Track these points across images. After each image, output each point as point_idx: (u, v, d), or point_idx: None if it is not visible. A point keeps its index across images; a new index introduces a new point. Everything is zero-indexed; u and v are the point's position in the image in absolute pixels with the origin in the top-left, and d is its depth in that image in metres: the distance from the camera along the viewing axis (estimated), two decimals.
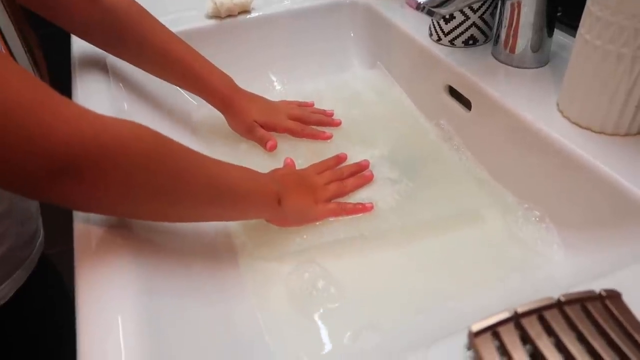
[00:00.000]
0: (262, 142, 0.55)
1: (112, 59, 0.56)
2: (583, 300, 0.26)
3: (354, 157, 0.53)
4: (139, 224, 0.36)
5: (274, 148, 0.54)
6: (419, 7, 0.45)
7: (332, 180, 0.49)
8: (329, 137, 0.56)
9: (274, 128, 0.56)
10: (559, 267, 0.38)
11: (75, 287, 0.31)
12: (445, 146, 0.53)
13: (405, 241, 0.44)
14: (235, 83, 0.56)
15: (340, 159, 0.52)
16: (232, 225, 0.45)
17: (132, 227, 0.35)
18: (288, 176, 0.47)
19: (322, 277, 0.40)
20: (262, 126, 0.55)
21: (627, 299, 0.26)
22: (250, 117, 0.55)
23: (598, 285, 0.27)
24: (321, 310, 0.38)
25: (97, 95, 0.51)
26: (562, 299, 0.26)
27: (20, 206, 0.48)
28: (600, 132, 0.41)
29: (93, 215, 0.35)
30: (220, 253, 0.43)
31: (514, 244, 0.41)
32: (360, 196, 0.49)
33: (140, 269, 0.32)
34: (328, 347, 0.36)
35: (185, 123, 0.60)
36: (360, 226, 0.45)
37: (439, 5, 0.44)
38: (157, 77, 0.55)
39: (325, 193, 0.47)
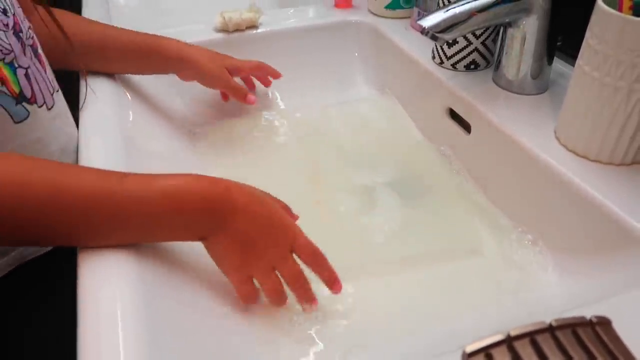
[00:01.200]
0: (239, 94, 0.57)
1: None
2: (574, 326, 0.27)
3: (357, 179, 0.54)
4: None
5: (254, 102, 0.57)
6: (423, 32, 0.46)
7: (290, 276, 0.37)
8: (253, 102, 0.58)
9: (237, 72, 0.58)
10: (553, 291, 0.39)
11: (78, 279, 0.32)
12: (445, 169, 0.54)
13: (400, 264, 0.44)
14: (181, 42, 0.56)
15: None
16: None
17: None
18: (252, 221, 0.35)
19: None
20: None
21: (616, 325, 0.27)
22: (217, 64, 0.55)
23: (590, 311, 0.28)
24: (313, 330, 0.38)
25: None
26: (554, 323, 0.27)
27: None
28: (595, 161, 0.42)
29: None
30: None
31: (509, 267, 0.42)
32: (361, 222, 0.49)
33: (140, 265, 0.33)
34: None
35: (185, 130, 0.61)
36: (358, 252, 0.46)
37: (443, 31, 0.46)
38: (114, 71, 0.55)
39: (263, 277, 0.36)
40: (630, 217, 0.37)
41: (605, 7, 0.37)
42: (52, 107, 0.44)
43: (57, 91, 0.46)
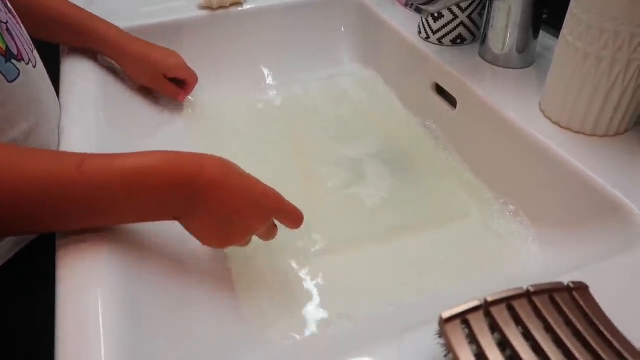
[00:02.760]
0: (172, 95, 0.58)
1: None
2: (551, 291, 0.27)
3: (343, 153, 0.54)
4: None
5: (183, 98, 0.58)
6: (407, 4, 0.45)
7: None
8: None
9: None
10: (533, 260, 0.39)
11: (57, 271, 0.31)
12: (431, 143, 0.54)
13: (386, 235, 0.44)
14: (125, 32, 0.55)
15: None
16: None
17: None
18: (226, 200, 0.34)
19: (304, 268, 0.41)
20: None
21: (595, 291, 0.27)
22: (155, 68, 0.55)
23: (568, 278, 0.28)
24: (300, 299, 0.38)
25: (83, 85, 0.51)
26: (531, 289, 0.27)
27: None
28: (579, 133, 0.42)
29: None
30: None
31: (491, 237, 0.42)
32: (348, 191, 0.49)
33: (120, 254, 0.33)
34: (306, 331, 0.36)
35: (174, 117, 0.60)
36: (345, 225, 0.46)
37: (427, 3, 0.45)
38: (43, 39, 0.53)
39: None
40: (612, 187, 0.37)
41: None
42: (36, 64, 0.43)
43: (34, 49, 0.45)
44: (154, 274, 0.35)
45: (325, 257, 0.42)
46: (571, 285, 0.27)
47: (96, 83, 0.52)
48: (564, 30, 0.41)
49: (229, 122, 0.60)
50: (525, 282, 0.28)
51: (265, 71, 0.67)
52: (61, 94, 0.50)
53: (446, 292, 0.37)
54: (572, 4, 0.39)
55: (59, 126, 0.45)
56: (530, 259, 0.39)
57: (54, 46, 0.57)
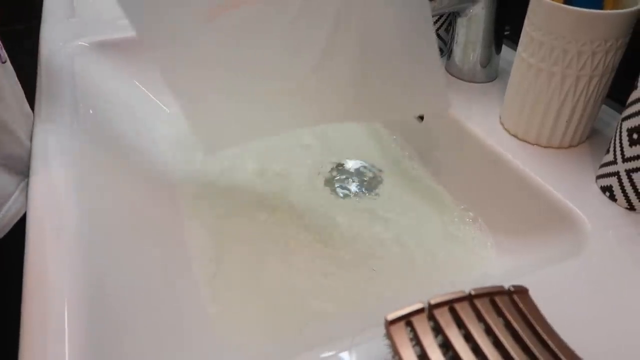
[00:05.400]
0: None
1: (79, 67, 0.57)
2: (492, 294, 0.28)
3: (314, 165, 0.55)
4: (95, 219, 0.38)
5: None
6: None
7: None
8: None
9: None
10: (491, 266, 0.41)
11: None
12: (397, 154, 0.56)
13: (346, 238, 0.46)
14: None
15: None
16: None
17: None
18: None
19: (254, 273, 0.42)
20: None
21: (536, 295, 0.29)
22: None
23: (520, 283, 0.30)
24: (252, 307, 0.39)
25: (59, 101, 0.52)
26: (473, 292, 0.28)
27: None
28: (535, 144, 0.44)
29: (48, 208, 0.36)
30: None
31: (450, 242, 0.44)
32: (315, 204, 0.51)
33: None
34: (266, 339, 0.37)
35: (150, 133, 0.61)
36: (305, 225, 0.47)
37: None
38: None
39: None
40: (563, 197, 0.38)
41: None
42: (5, 61, 0.45)
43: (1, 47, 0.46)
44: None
45: (282, 257, 0.44)
46: (512, 288, 0.29)
47: (73, 97, 0.54)
48: (519, 48, 0.43)
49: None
50: (482, 285, 0.29)
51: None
52: (37, 104, 0.51)
53: (403, 295, 0.39)
54: (525, 23, 0.41)
55: (31, 138, 0.46)
56: (488, 264, 0.41)
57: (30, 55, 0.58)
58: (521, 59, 0.42)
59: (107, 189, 0.45)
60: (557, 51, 0.39)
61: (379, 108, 0.42)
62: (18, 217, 0.48)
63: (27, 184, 0.49)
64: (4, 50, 0.46)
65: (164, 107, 0.63)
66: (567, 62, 0.39)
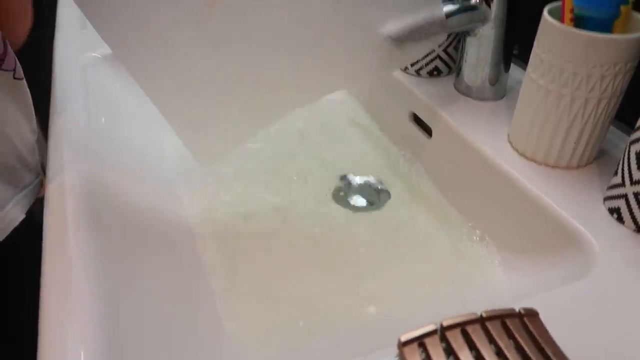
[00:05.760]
0: None
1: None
2: (503, 317, 0.28)
3: (323, 181, 0.56)
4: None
5: None
6: (384, 38, 0.48)
7: None
8: None
9: None
10: (498, 284, 0.41)
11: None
12: (406, 169, 0.56)
13: (354, 256, 0.46)
14: None
15: None
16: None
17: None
18: None
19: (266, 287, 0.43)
20: None
21: (545, 317, 0.29)
22: None
23: (524, 304, 0.30)
24: (265, 323, 0.40)
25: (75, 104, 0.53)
26: (484, 314, 0.28)
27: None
28: (543, 164, 0.44)
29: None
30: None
31: (458, 259, 0.44)
32: (326, 222, 0.51)
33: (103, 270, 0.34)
34: (275, 349, 0.38)
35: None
36: (316, 245, 0.48)
37: (405, 38, 0.48)
38: None
39: None
40: (571, 217, 0.39)
41: (550, 18, 0.40)
42: (21, 79, 0.46)
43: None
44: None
45: (290, 275, 0.44)
46: (522, 311, 0.29)
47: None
48: (529, 68, 0.43)
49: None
50: (490, 304, 0.30)
51: None
52: (51, 112, 0.52)
53: (412, 313, 0.39)
54: (535, 44, 0.42)
55: (42, 164, 0.48)
56: (495, 283, 0.41)
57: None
58: (530, 80, 0.43)
59: (118, 199, 0.46)
60: (566, 73, 0.39)
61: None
62: (9, 230, 0.48)
63: (29, 194, 0.50)
64: (19, 67, 0.46)
65: None
66: (576, 85, 0.39)
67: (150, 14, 0.36)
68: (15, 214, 0.48)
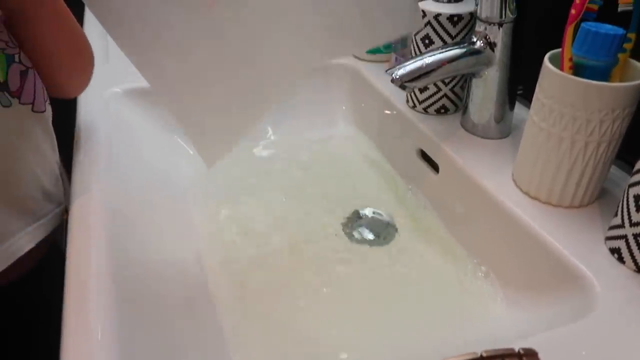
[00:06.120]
0: None
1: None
2: (503, 357, 0.30)
3: (332, 214, 0.57)
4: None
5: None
6: (393, 81, 0.50)
7: None
8: None
9: None
10: (499, 322, 0.42)
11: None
12: (413, 204, 0.58)
13: (359, 291, 0.48)
14: None
15: None
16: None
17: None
18: None
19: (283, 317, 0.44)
20: None
21: (545, 358, 0.30)
22: None
23: (525, 343, 0.31)
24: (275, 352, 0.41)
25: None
26: (484, 354, 0.29)
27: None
28: (546, 203, 0.45)
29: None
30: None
31: (462, 295, 0.45)
32: (333, 257, 0.53)
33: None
34: None
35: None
36: (328, 287, 0.49)
37: (410, 81, 0.50)
38: None
39: None
40: (573, 257, 0.40)
41: (550, 66, 0.42)
42: (43, 111, 0.48)
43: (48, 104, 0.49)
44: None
45: (296, 307, 0.46)
46: (521, 351, 0.30)
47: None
48: (531, 111, 0.45)
49: (233, 171, 0.64)
50: (491, 341, 0.31)
51: (270, 129, 0.72)
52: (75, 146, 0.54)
53: (415, 350, 0.40)
54: (537, 89, 0.44)
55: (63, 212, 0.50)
56: (497, 319, 0.42)
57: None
58: (532, 122, 0.44)
59: (136, 226, 0.48)
60: (566, 118, 0.41)
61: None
62: (11, 261, 0.48)
63: (47, 224, 0.52)
64: (40, 101, 0.48)
65: (189, 149, 0.66)
66: (576, 129, 0.41)
67: (153, 10, 0.37)
68: (21, 245, 0.48)
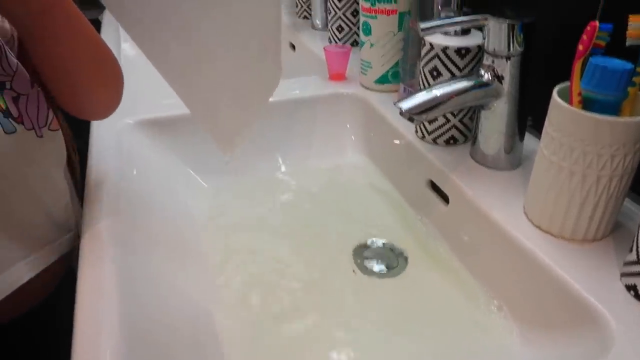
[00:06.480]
0: None
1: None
2: None
3: (341, 244, 0.57)
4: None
5: None
6: (401, 113, 0.50)
7: None
8: None
9: None
10: (515, 356, 0.41)
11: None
12: (423, 235, 0.57)
13: (369, 323, 0.47)
14: None
15: None
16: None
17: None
18: None
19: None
20: None
21: None
22: None
23: None
24: None
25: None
26: None
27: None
28: (559, 237, 0.45)
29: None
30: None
31: (474, 329, 0.45)
32: (345, 289, 0.52)
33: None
34: None
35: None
36: (337, 319, 0.48)
37: (418, 113, 0.50)
38: None
39: None
40: (587, 293, 0.39)
41: (559, 100, 0.42)
42: (41, 136, 0.46)
43: (53, 129, 0.47)
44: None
45: (304, 340, 0.45)
46: None
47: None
48: (541, 143, 0.45)
49: (242, 200, 0.64)
50: None
51: (280, 158, 0.72)
52: (87, 176, 0.55)
53: None
54: (546, 123, 0.44)
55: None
56: (512, 355, 0.41)
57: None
58: (543, 155, 0.44)
59: (145, 260, 0.48)
60: (577, 152, 0.41)
61: None
62: (9, 292, 0.47)
63: (53, 250, 0.51)
64: (41, 127, 0.46)
65: (202, 182, 0.67)
66: (587, 163, 0.41)
67: None
68: (19, 275, 0.47)
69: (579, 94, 0.41)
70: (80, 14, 0.45)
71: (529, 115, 0.54)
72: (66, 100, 0.48)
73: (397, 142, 0.65)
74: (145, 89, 0.76)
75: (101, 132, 0.64)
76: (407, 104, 0.50)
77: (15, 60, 0.44)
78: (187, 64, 0.38)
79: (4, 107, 0.43)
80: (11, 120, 0.43)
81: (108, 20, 1.20)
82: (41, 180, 0.48)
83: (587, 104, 0.41)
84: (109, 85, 0.50)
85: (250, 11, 0.40)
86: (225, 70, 0.41)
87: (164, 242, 0.53)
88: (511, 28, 0.48)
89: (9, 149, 0.43)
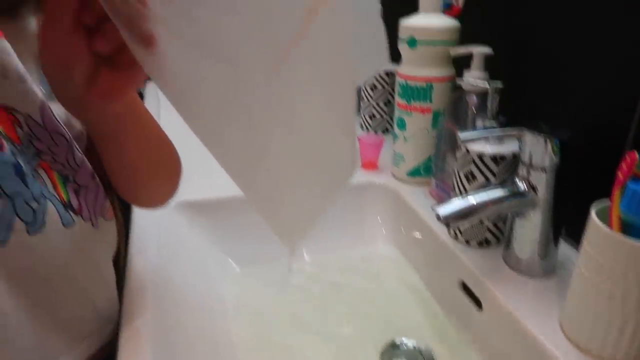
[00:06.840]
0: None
1: None
2: None
3: (370, 343, 0.57)
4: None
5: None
6: (439, 219, 0.51)
7: None
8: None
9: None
10: None
11: None
12: (456, 338, 0.57)
13: None
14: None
15: None
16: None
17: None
18: None
19: None
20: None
21: None
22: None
23: None
24: None
25: None
26: None
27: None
28: (597, 357, 0.44)
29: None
30: None
31: None
32: None
33: None
34: None
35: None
36: None
37: (456, 219, 0.51)
38: None
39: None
40: None
41: (597, 222, 0.42)
42: (97, 225, 0.46)
43: (108, 219, 0.48)
44: None
45: None
46: None
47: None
48: (580, 262, 0.45)
49: (266, 291, 0.65)
50: None
51: (304, 248, 0.73)
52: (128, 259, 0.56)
53: None
54: (584, 242, 0.44)
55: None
56: None
57: None
58: (581, 274, 0.44)
59: (179, 341, 0.48)
60: (617, 274, 0.41)
61: None
62: None
63: (95, 341, 0.52)
64: (97, 217, 0.47)
65: (235, 266, 0.68)
66: (628, 286, 0.41)
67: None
68: None
69: (619, 217, 0.42)
70: (148, 112, 0.47)
71: (563, 225, 0.55)
72: (127, 192, 0.50)
73: (428, 239, 0.66)
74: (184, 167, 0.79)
75: (141, 214, 0.66)
76: (445, 210, 0.51)
77: (82, 156, 0.45)
78: (252, 156, 0.35)
79: (66, 200, 0.44)
80: (71, 213, 0.44)
81: (150, 91, 1.27)
82: (91, 271, 0.48)
83: (627, 228, 0.42)
84: (170, 177, 0.52)
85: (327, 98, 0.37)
86: (287, 162, 0.38)
87: (198, 336, 0.54)
88: (548, 142, 0.50)
89: (65, 244, 0.43)
